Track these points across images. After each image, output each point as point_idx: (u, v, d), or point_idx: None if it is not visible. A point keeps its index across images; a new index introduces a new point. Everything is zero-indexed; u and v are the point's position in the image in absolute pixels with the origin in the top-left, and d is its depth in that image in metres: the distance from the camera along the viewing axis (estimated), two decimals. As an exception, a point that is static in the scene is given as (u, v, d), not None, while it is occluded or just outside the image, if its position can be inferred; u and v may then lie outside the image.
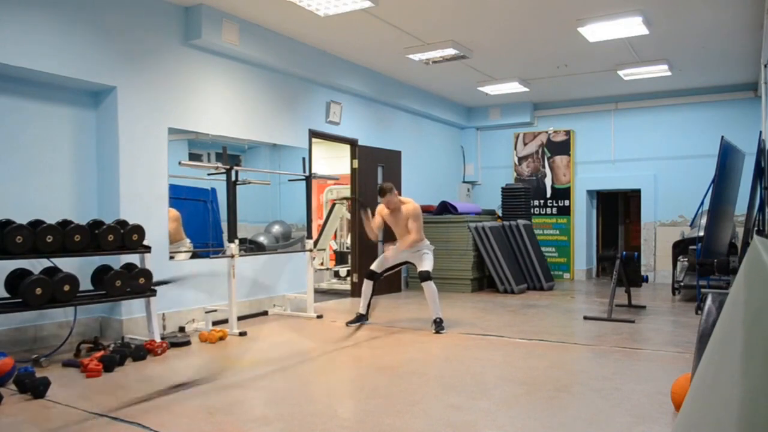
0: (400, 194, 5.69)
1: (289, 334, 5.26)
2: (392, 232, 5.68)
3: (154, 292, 4.61)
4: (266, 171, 6.65)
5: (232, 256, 5.20)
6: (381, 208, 5.63)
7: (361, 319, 5.58)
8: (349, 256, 8.32)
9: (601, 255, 10.29)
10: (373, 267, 5.63)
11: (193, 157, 6.14)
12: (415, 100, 8.82)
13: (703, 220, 6.51)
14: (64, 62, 4.56)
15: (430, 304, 5.29)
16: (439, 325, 5.19)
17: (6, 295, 4.06)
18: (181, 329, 5.25)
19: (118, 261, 4.71)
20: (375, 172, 7.99)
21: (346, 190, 8.69)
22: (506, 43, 6.80)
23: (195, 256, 5.86)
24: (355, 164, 7.75)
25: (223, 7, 5.48)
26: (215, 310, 5.31)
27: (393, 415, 2.96)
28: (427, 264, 5.41)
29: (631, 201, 10.89)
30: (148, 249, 4.64)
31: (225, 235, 5.56)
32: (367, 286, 5.59)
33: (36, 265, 4.21)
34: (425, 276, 5.31)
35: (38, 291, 3.87)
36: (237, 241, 5.28)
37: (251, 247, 6.67)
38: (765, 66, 6.15)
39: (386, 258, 5.57)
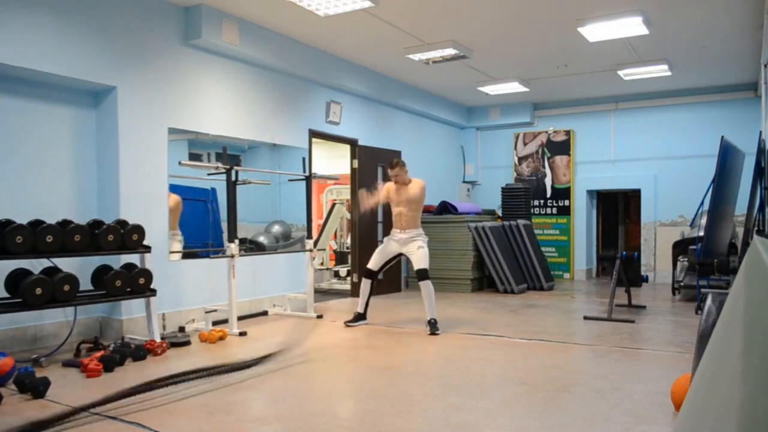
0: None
1: (289, 334, 5.26)
2: (390, 217, 5.66)
3: (154, 292, 4.61)
4: (266, 171, 6.65)
5: (232, 256, 5.20)
6: (389, 185, 5.61)
7: (359, 319, 5.58)
8: (349, 256, 8.32)
9: (601, 255, 10.29)
10: (370, 265, 5.61)
11: (193, 157, 6.14)
12: (415, 100, 8.82)
13: (703, 220, 6.51)
14: (64, 62, 4.56)
15: (426, 304, 5.28)
16: (434, 327, 5.17)
17: (6, 295, 4.06)
18: (181, 329, 5.25)
19: (118, 261, 4.72)
20: (375, 172, 7.99)
21: (346, 191, 8.69)
22: (506, 43, 6.80)
23: (194, 256, 5.86)
24: (356, 164, 7.76)
25: (223, 7, 5.48)
26: (215, 310, 5.31)
27: (393, 415, 2.96)
28: (423, 260, 5.37)
29: (631, 201, 10.89)
30: (148, 249, 4.64)
31: (225, 235, 5.56)
32: (366, 285, 5.59)
33: (36, 265, 4.21)
34: (423, 275, 5.31)
35: (38, 291, 3.87)
36: (237, 241, 5.28)
37: (251, 247, 6.67)
38: (765, 66, 6.15)
39: (381, 252, 5.56)
